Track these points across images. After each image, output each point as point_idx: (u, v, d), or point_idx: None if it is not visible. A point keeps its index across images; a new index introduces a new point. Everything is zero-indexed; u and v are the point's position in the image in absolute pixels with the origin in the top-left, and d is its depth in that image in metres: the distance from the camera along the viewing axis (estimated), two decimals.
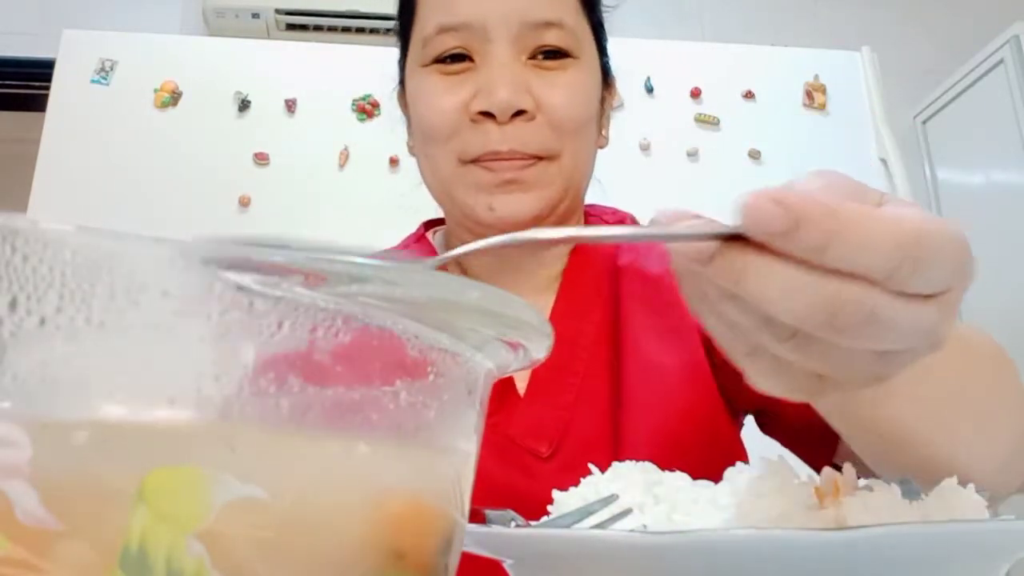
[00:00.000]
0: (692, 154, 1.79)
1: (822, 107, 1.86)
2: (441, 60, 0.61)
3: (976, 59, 2.10)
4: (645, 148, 1.75)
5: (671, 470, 0.41)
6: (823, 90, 1.87)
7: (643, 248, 0.70)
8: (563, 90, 0.61)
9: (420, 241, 0.74)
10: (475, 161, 0.61)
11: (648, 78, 1.81)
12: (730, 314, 0.27)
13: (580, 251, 0.69)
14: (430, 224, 0.76)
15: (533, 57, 0.61)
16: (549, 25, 0.61)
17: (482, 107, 0.59)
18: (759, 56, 1.91)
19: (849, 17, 2.43)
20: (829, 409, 0.40)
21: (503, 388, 0.63)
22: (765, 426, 0.67)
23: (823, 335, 0.25)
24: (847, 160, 1.81)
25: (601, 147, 0.69)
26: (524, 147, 0.60)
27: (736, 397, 0.64)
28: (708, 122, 1.82)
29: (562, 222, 0.66)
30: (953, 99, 2.18)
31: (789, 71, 1.88)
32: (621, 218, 0.74)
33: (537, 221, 0.61)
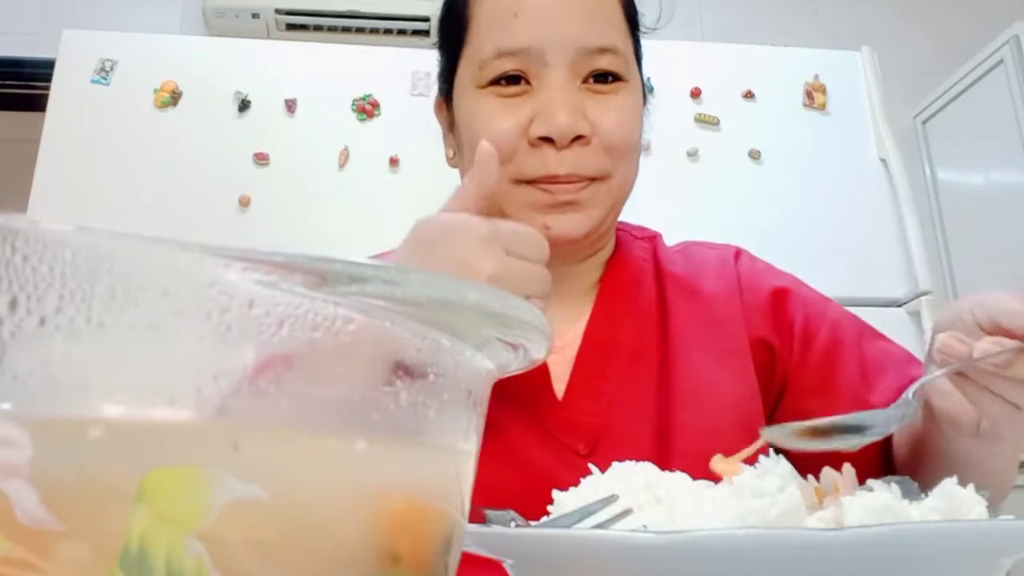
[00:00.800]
0: (692, 154, 1.79)
1: (822, 107, 1.86)
2: (497, 82, 0.63)
3: (976, 59, 2.10)
4: (645, 148, 1.74)
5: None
6: (823, 90, 1.87)
7: (696, 260, 0.72)
8: (616, 114, 0.63)
9: None
10: (531, 182, 0.62)
11: (648, 78, 1.81)
12: (1013, 395, 0.46)
13: (618, 258, 0.71)
14: None
15: (585, 80, 0.63)
16: (604, 51, 0.63)
17: (542, 132, 0.61)
18: (759, 56, 1.91)
19: (849, 17, 2.43)
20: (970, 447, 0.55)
21: (539, 391, 0.64)
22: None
23: None
24: (847, 160, 1.81)
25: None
26: (582, 170, 0.62)
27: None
28: (708, 122, 1.82)
29: (603, 237, 0.68)
30: (953, 99, 2.18)
31: (789, 71, 1.88)
32: (651, 236, 0.76)
33: (588, 238, 0.64)
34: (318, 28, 2.08)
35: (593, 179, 0.63)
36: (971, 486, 0.35)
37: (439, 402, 0.22)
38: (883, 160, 1.81)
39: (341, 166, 1.71)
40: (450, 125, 0.71)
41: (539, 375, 0.65)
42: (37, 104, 1.83)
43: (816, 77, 1.88)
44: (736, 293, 0.70)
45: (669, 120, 1.79)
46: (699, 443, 0.62)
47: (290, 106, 1.74)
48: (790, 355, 0.68)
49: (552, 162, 0.61)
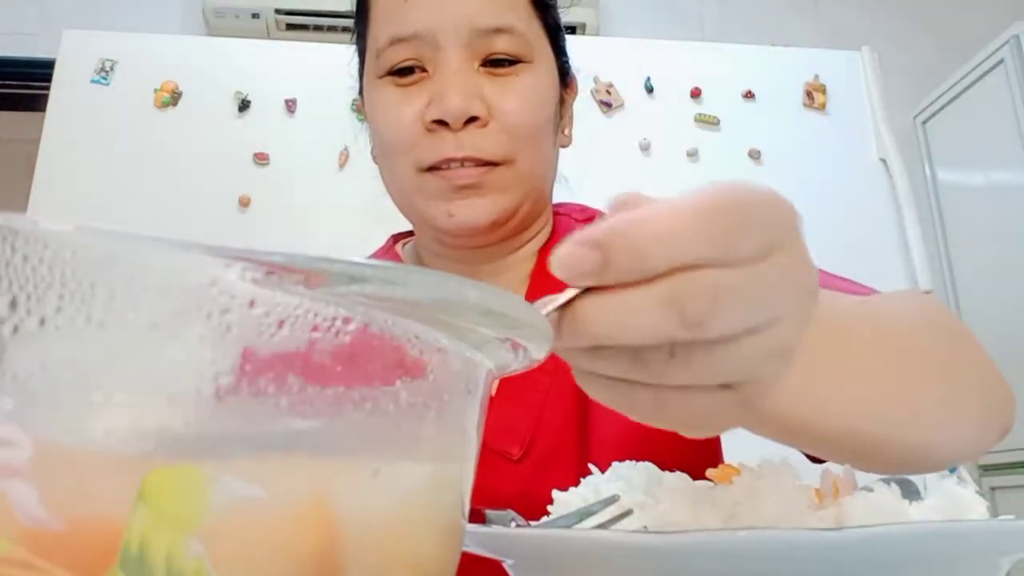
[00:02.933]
0: (692, 154, 1.79)
1: (822, 107, 1.86)
2: (395, 72, 0.62)
3: (976, 59, 2.10)
4: (645, 148, 1.75)
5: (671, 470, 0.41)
6: (823, 90, 1.87)
7: None
8: (515, 96, 0.62)
9: (389, 253, 0.74)
10: (431, 169, 0.61)
11: (648, 78, 1.81)
12: (608, 370, 0.27)
13: (551, 246, 0.69)
14: (399, 236, 0.77)
15: (485, 64, 0.62)
16: (499, 31, 0.61)
17: (435, 115, 0.60)
18: (759, 56, 1.91)
19: (849, 17, 2.43)
20: (764, 430, 0.36)
21: None
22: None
23: (689, 335, 0.24)
24: (847, 160, 1.81)
25: (564, 146, 0.69)
26: (479, 153, 0.60)
27: None
28: (708, 122, 1.82)
29: (526, 226, 0.67)
30: (953, 99, 2.18)
31: (789, 71, 1.88)
32: (590, 215, 0.73)
33: (496, 226, 0.62)
34: (318, 28, 2.08)
35: (496, 163, 0.61)
36: (971, 486, 0.35)
37: (439, 402, 0.22)
38: (883, 160, 1.81)
39: (341, 166, 1.71)
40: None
41: None
42: (37, 104, 1.83)
43: (816, 77, 1.88)
44: None
45: (669, 120, 1.80)
46: (617, 435, 0.61)
47: (290, 106, 1.73)
48: None
49: (448, 145, 0.60)
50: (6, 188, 1.96)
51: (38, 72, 1.93)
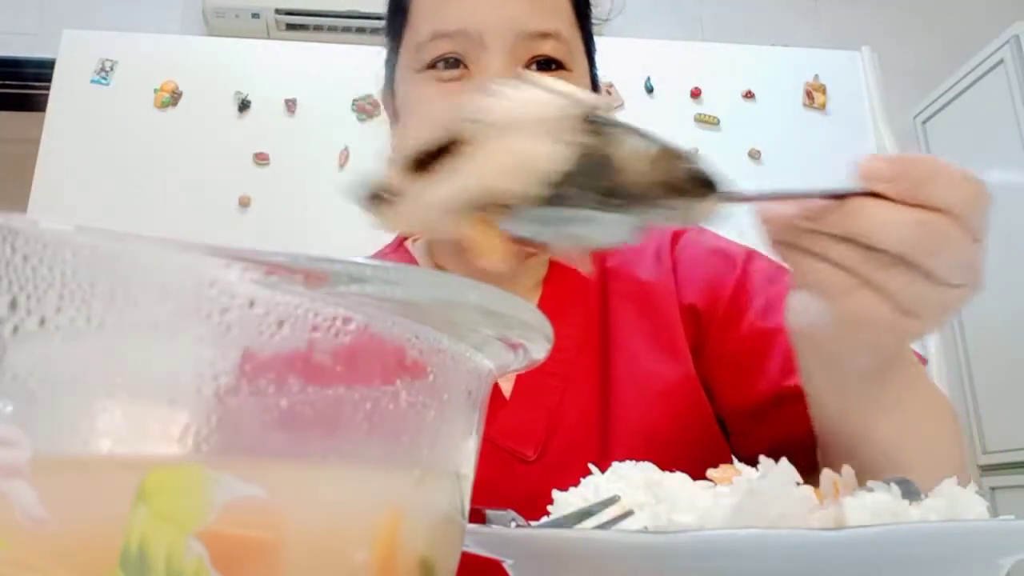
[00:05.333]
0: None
1: (822, 107, 1.86)
2: (434, 66, 0.61)
3: (976, 59, 2.10)
4: None
5: (671, 470, 0.41)
6: (823, 90, 1.87)
7: (633, 252, 0.70)
8: None
9: (398, 250, 0.73)
10: None
11: (648, 78, 1.81)
12: (840, 255, 0.35)
13: (560, 258, 0.69)
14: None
15: (527, 67, 0.61)
16: (546, 36, 0.60)
17: None
18: (759, 56, 1.91)
19: (849, 17, 2.43)
20: (837, 405, 0.47)
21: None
22: (738, 445, 0.66)
23: (916, 259, 0.34)
24: (847, 160, 1.81)
25: None
26: None
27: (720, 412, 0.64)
28: (708, 122, 1.82)
29: None
30: (953, 99, 2.18)
31: (789, 71, 1.88)
32: None
33: (524, 241, 0.62)
34: (318, 28, 2.08)
35: None
36: (971, 486, 0.35)
37: (439, 402, 0.22)
38: None
39: (341, 166, 1.71)
40: (395, 116, 0.69)
41: None
42: (37, 104, 1.83)
43: (816, 77, 1.88)
44: (670, 273, 0.68)
45: (669, 120, 1.79)
46: (639, 436, 0.61)
47: (290, 106, 1.73)
48: (713, 314, 0.64)
49: None
50: (6, 188, 1.95)
51: (38, 72, 1.93)
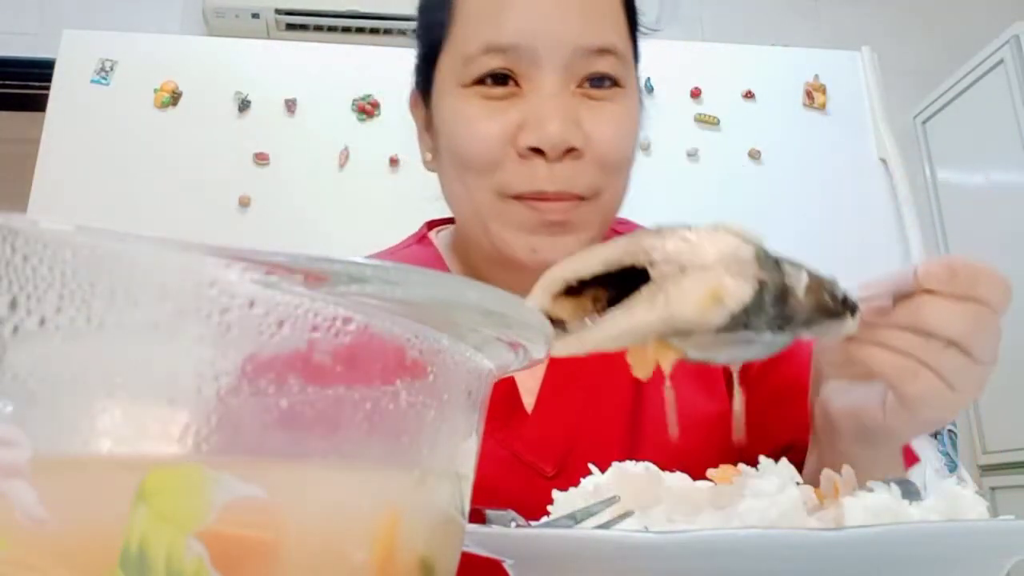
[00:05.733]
0: (692, 154, 1.79)
1: (822, 107, 1.85)
2: (483, 81, 0.57)
3: (976, 59, 2.10)
4: (645, 148, 1.75)
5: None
6: (823, 90, 1.86)
7: None
8: (612, 124, 0.58)
9: (422, 241, 0.72)
10: (517, 197, 0.57)
11: (648, 78, 1.81)
12: (906, 343, 0.42)
13: None
14: (432, 224, 0.75)
15: (580, 85, 0.58)
16: (603, 52, 0.57)
17: (532, 142, 0.55)
18: (759, 56, 1.91)
19: (849, 17, 2.43)
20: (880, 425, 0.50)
21: (510, 405, 0.62)
22: None
23: (967, 342, 0.41)
24: (847, 160, 1.81)
25: None
26: (572, 188, 0.56)
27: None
28: (708, 122, 1.82)
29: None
30: (953, 99, 2.18)
31: (789, 71, 1.88)
32: (630, 228, 0.71)
33: None
34: (318, 28, 2.08)
35: (583, 198, 0.57)
36: (971, 486, 0.35)
37: (439, 402, 0.22)
38: (883, 160, 1.81)
39: (341, 166, 1.71)
40: (427, 123, 0.64)
41: (507, 389, 0.61)
42: (37, 104, 1.83)
43: (816, 77, 1.87)
44: None
45: (669, 120, 1.79)
46: (667, 459, 0.60)
47: (290, 106, 1.73)
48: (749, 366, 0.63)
49: (541, 177, 0.55)
50: (6, 188, 1.95)
51: (38, 72, 1.93)
